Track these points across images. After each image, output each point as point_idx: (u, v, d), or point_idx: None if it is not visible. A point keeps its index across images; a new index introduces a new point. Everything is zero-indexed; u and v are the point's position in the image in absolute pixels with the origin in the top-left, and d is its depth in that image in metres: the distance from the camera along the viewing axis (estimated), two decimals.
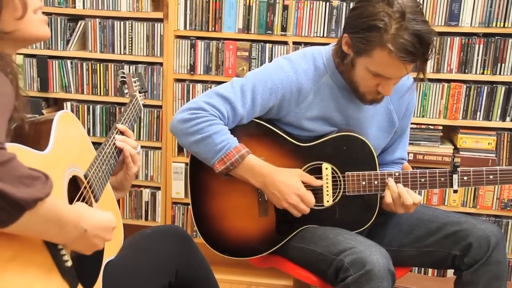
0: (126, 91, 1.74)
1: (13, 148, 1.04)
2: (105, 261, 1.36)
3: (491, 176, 1.76)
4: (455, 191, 1.78)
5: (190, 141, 1.75)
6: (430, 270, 2.80)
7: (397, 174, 1.78)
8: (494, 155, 2.62)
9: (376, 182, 1.79)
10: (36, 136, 1.20)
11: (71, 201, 1.22)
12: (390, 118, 1.90)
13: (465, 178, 1.77)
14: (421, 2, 2.55)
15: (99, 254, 1.29)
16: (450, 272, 2.75)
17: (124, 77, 1.75)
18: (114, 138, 1.49)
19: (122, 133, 1.54)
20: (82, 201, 1.27)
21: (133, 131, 1.60)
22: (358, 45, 1.65)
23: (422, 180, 1.78)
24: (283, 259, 1.89)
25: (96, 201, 1.32)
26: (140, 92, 1.75)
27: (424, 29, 1.58)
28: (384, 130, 1.90)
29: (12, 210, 0.93)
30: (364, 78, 1.70)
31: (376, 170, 1.80)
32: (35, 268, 1.08)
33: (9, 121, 1.10)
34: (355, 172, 1.79)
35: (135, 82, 1.75)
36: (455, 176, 1.76)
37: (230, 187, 1.82)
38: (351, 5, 2.58)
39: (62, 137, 1.22)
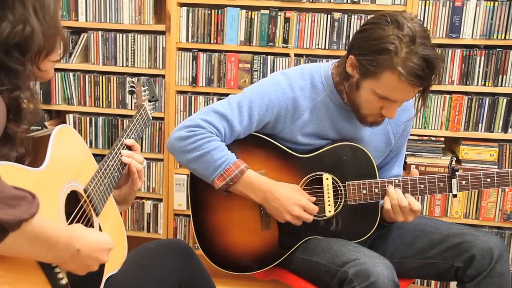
0: (134, 101, 1.74)
1: (5, 166, 1.03)
2: (106, 276, 1.35)
3: (488, 179, 1.76)
4: (455, 196, 1.79)
5: (189, 158, 1.75)
6: (433, 282, 2.79)
7: (396, 181, 1.79)
8: (496, 166, 2.62)
9: (376, 190, 1.79)
10: (33, 153, 1.18)
11: (69, 216, 1.21)
12: (387, 139, 1.90)
13: (464, 182, 1.77)
14: (422, 14, 2.56)
15: (100, 269, 1.26)
16: (453, 284, 2.74)
17: (134, 87, 1.74)
18: (119, 152, 1.48)
19: (129, 147, 1.53)
20: (82, 215, 1.26)
21: (141, 141, 1.59)
22: (367, 67, 1.64)
23: (422, 186, 1.78)
24: (285, 272, 1.88)
25: (97, 215, 1.31)
26: (150, 101, 1.75)
27: (432, 54, 1.59)
28: (380, 150, 1.90)
29: None
30: (369, 100, 1.69)
31: (376, 178, 1.81)
32: (28, 287, 1.06)
33: (11, 149, 1.10)
34: (355, 181, 1.79)
35: (144, 91, 1.74)
36: (454, 181, 1.77)
37: (231, 201, 1.81)
38: (353, 17, 2.60)
39: (59, 152, 1.21)
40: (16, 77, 1.11)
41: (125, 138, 1.52)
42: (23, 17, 1.10)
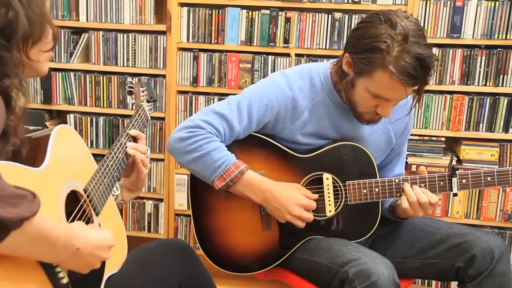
0: (133, 101, 1.74)
1: (5, 166, 1.03)
2: (106, 275, 1.35)
3: (489, 178, 1.76)
4: (455, 195, 1.79)
5: (188, 159, 1.74)
6: (433, 282, 2.79)
7: (397, 180, 1.79)
8: (497, 166, 2.61)
9: (377, 190, 1.79)
10: (33, 152, 1.18)
11: (69, 216, 1.21)
12: (388, 138, 1.90)
13: (464, 181, 1.77)
14: (423, 14, 2.56)
15: (100, 268, 1.26)
16: (454, 285, 2.74)
17: (132, 87, 1.74)
18: (119, 152, 1.48)
19: (134, 138, 1.56)
20: (82, 214, 1.26)
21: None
22: (360, 65, 1.64)
23: (422, 185, 1.78)
24: (286, 271, 1.88)
25: (97, 214, 1.31)
26: (148, 102, 1.75)
27: (426, 53, 1.58)
28: (380, 149, 1.90)
29: None
30: (364, 98, 1.70)
31: (376, 177, 1.81)
32: (29, 286, 1.06)
33: (6, 143, 1.10)
34: (355, 181, 1.79)
35: (142, 92, 1.74)
36: (454, 180, 1.77)
37: (231, 201, 1.81)
38: (353, 17, 2.60)
39: (59, 152, 1.20)
40: (3, 64, 1.09)
41: (124, 139, 1.53)
42: (6, 1, 1.09)
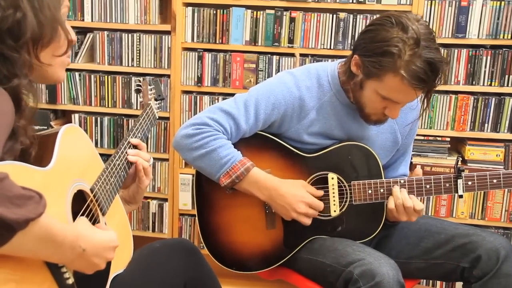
0: (140, 100, 1.74)
1: (12, 166, 1.03)
2: (112, 275, 1.35)
3: (494, 180, 1.76)
4: (461, 196, 1.79)
5: (194, 156, 1.75)
6: (438, 282, 2.79)
7: (402, 181, 1.78)
8: (502, 166, 2.61)
9: (382, 190, 1.79)
10: (40, 151, 1.18)
11: (75, 216, 1.21)
12: (394, 138, 1.90)
13: (470, 183, 1.77)
14: (428, 14, 2.56)
15: (106, 268, 1.25)
16: (458, 285, 2.73)
17: (140, 85, 1.74)
18: (126, 151, 1.48)
19: (135, 146, 1.53)
20: (88, 214, 1.26)
21: (147, 140, 1.58)
22: (370, 68, 1.64)
23: (428, 186, 1.78)
24: (290, 271, 1.88)
25: (104, 214, 1.31)
26: (156, 100, 1.74)
27: (436, 57, 1.58)
28: (387, 149, 1.90)
29: (3, 231, 0.91)
30: (372, 100, 1.70)
31: (381, 178, 1.81)
32: (35, 287, 1.06)
33: (15, 143, 1.10)
34: (360, 181, 1.79)
35: (150, 90, 1.74)
36: (459, 181, 1.77)
37: (236, 200, 1.82)
38: (358, 17, 2.60)
39: (66, 152, 1.20)
40: (13, 64, 1.09)
41: (131, 137, 1.52)
42: (14, 2, 1.09)
